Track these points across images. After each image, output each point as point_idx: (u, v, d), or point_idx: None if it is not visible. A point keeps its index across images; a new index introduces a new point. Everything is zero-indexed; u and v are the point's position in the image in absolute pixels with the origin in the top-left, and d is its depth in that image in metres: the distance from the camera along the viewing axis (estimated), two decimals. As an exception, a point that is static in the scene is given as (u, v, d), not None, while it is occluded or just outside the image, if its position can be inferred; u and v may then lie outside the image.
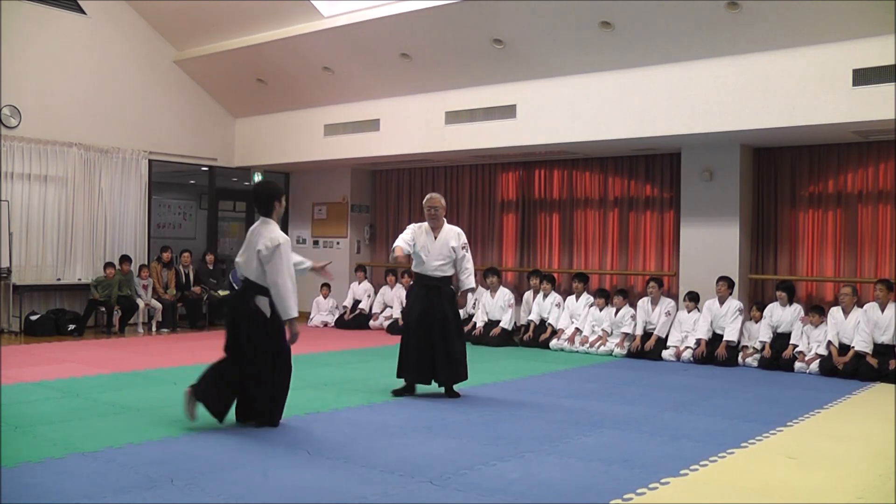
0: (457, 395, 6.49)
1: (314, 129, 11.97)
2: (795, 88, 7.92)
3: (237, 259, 5.41)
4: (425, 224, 6.57)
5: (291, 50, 10.84)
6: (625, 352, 9.22)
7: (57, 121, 10.91)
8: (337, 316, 12.14)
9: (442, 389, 6.53)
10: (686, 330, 9.06)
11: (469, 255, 6.58)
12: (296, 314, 5.07)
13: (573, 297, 10.03)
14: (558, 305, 10.05)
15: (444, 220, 6.62)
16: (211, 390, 5.13)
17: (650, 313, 9.26)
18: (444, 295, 6.46)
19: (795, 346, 8.30)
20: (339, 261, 12.61)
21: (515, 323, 10.37)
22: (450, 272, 6.53)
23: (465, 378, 6.55)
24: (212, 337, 10.61)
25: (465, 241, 6.62)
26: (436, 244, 6.47)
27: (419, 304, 6.47)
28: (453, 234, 6.54)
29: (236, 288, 13.18)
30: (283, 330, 5.20)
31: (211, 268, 12.27)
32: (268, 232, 5.15)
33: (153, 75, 12.02)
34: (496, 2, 8.68)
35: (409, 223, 12.31)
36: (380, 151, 11.22)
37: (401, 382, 6.60)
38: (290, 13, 10.36)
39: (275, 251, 5.03)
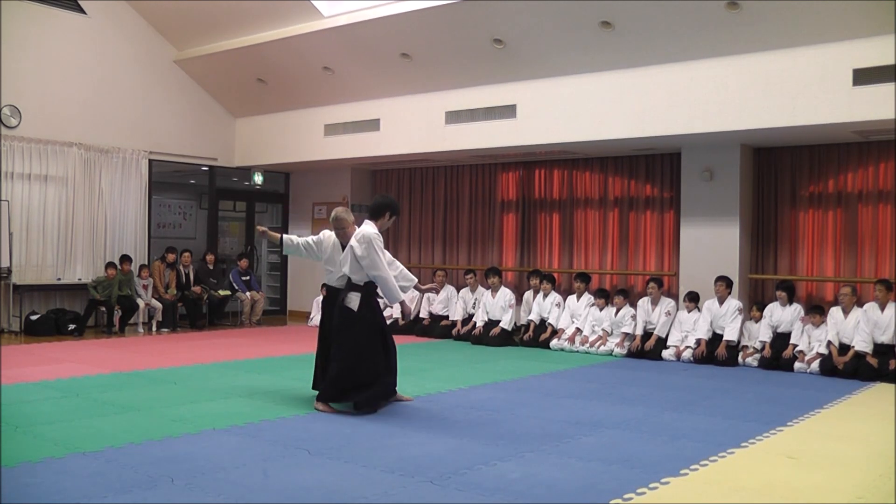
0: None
1: (314, 129, 11.97)
2: (795, 88, 7.92)
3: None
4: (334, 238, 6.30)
5: (291, 50, 10.85)
6: (625, 352, 9.22)
7: (57, 121, 10.92)
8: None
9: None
10: (686, 330, 9.06)
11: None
12: (402, 297, 5.88)
13: (574, 296, 10.03)
14: (558, 305, 10.05)
15: (356, 228, 6.06)
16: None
17: (650, 313, 9.26)
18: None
19: (795, 345, 8.30)
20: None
21: (516, 323, 10.37)
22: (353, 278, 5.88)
23: (324, 394, 5.83)
24: (212, 337, 10.63)
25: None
26: (344, 254, 6.02)
27: (325, 311, 6.30)
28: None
29: (236, 288, 13.15)
30: (367, 324, 5.79)
31: (211, 268, 12.28)
32: (361, 229, 5.83)
33: (153, 75, 12.02)
34: (496, 2, 8.68)
35: (409, 223, 12.53)
36: (380, 151, 11.22)
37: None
38: (290, 13, 10.37)
39: (368, 246, 5.68)
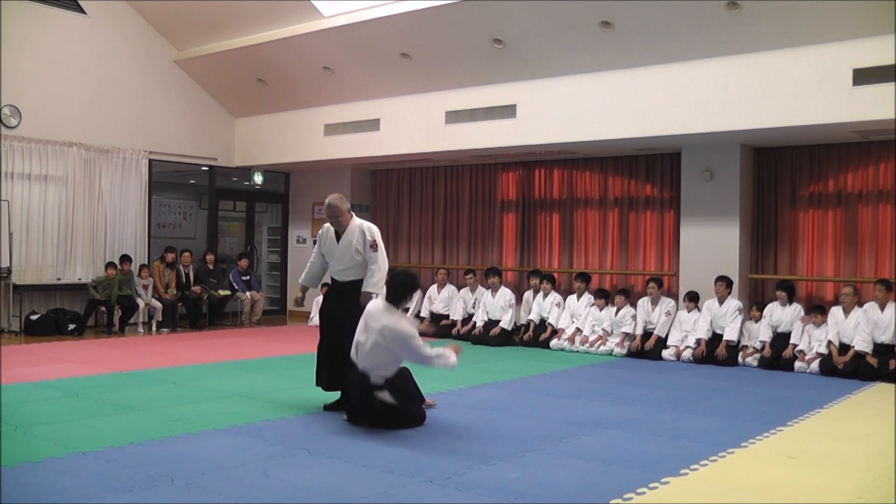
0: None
1: (314, 128, 11.98)
2: (795, 88, 7.92)
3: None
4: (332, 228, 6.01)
5: (291, 50, 10.85)
6: (625, 351, 9.22)
7: (57, 121, 10.92)
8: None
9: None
10: (686, 329, 9.06)
11: (376, 255, 5.80)
12: (435, 359, 5.20)
13: (574, 296, 10.03)
14: (558, 305, 10.05)
15: (353, 217, 5.94)
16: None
17: (650, 313, 9.26)
18: (350, 304, 5.74)
19: (795, 345, 8.30)
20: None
21: (515, 323, 10.37)
22: (359, 276, 5.84)
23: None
24: (212, 337, 10.63)
25: (374, 238, 5.83)
26: (340, 246, 5.90)
27: (324, 309, 6.08)
28: (356, 233, 5.85)
29: (236, 287, 13.06)
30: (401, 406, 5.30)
31: (211, 267, 12.28)
32: (380, 321, 5.16)
33: (153, 75, 12.02)
34: (496, 2, 8.68)
35: (410, 223, 12.53)
36: (380, 151, 11.22)
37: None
38: (290, 13, 10.37)
39: (402, 341, 5.12)
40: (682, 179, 9.77)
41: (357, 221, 5.93)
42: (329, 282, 6.23)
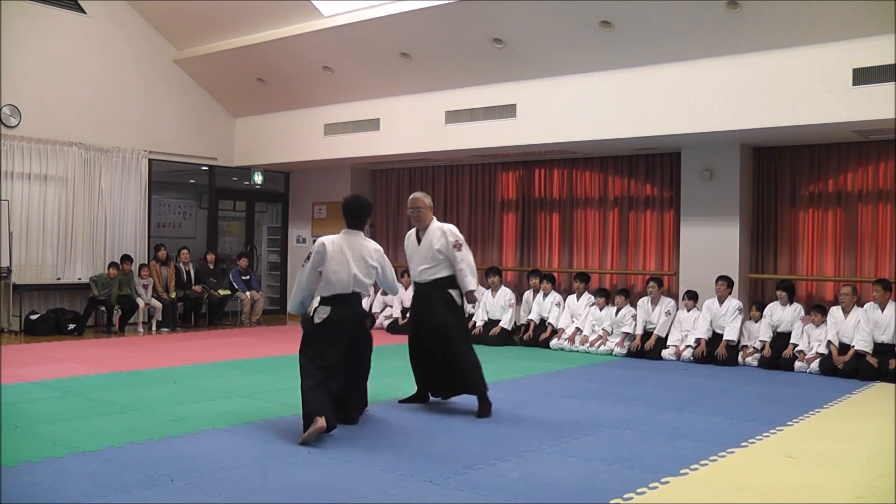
0: (485, 412, 5.75)
1: (314, 128, 11.98)
2: (795, 88, 7.92)
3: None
4: (413, 230, 6.16)
5: (291, 50, 10.85)
6: (625, 351, 9.22)
7: (57, 120, 10.92)
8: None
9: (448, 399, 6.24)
10: (686, 329, 9.07)
11: (461, 254, 5.89)
12: None
13: (574, 296, 10.03)
14: (558, 305, 10.06)
15: (434, 218, 6.06)
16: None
17: (650, 313, 9.26)
18: (436, 301, 5.87)
19: (795, 345, 8.30)
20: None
21: (515, 322, 10.37)
22: (441, 274, 5.91)
23: (477, 390, 5.82)
24: (212, 336, 10.62)
25: (456, 238, 5.93)
26: (420, 248, 5.99)
27: (412, 313, 6.18)
28: (437, 235, 5.93)
29: (236, 287, 13.06)
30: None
31: (211, 267, 12.28)
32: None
33: (153, 75, 12.02)
34: (496, 1, 8.68)
35: (409, 223, 12.48)
36: (380, 151, 11.22)
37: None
38: (290, 13, 10.37)
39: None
40: (681, 179, 9.77)
41: (437, 223, 6.01)
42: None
